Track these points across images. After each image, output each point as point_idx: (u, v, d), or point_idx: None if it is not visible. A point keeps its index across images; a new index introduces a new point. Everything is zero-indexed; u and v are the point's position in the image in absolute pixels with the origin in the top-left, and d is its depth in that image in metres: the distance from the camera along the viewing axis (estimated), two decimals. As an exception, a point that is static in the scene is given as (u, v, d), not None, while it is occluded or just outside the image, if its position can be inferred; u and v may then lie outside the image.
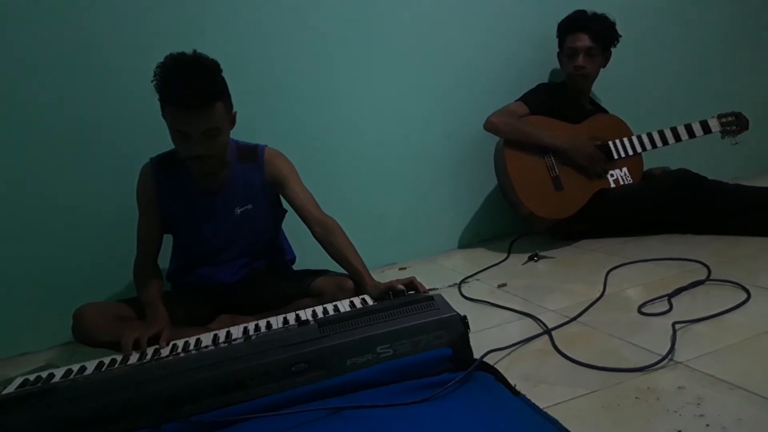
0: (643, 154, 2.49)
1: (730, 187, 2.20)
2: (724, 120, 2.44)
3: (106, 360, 1.37)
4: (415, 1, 2.50)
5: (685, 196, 2.21)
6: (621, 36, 2.54)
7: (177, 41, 1.78)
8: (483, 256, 2.44)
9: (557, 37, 2.58)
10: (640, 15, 2.87)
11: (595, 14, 2.49)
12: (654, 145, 2.46)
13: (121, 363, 1.35)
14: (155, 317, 1.60)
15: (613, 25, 2.51)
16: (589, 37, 2.47)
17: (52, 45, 2.04)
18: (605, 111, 2.67)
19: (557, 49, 2.59)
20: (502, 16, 2.65)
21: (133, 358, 1.40)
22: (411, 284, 1.51)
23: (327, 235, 1.76)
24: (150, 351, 1.42)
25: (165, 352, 1.39)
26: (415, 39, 2.52)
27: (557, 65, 2.65)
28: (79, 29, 2.06)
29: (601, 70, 2.57)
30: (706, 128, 2.44)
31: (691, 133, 2.44)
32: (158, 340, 1.48)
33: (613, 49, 2.56)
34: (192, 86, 1.52)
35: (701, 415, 0.99)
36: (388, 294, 1.52)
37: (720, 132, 2.45)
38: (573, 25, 2.50)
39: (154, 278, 1.76)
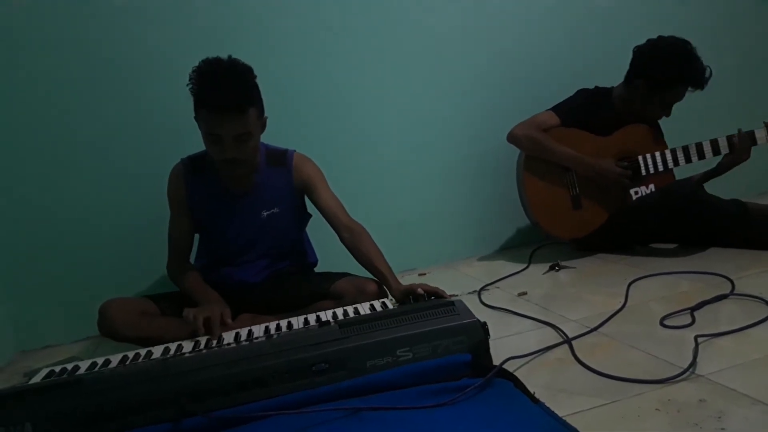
0: (676, 168, 2.31)
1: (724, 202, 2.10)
2: None
3: (130, 354, 1.40)
4: (440, 8, 2.50)
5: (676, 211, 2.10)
6: None
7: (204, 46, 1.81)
8: (503, 265, 2.43)
9: (657, 74, 2.20)
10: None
11: (704, 67, 2.19)
12: (688, 159, 2.26)
13: (145, 357, 1.38)
14: (209, 300, 1.64)
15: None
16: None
17: (84, 48, 2.10)
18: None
19: (637, 77, 2.26)
20: (527, 23, 2.63)
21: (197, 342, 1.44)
22: (435, 293, 1.50)
23: (355, 240, 1.77)
24: (173, 347, 1.44)
25: (187, 347, 1.41)
26: (438, 45, 2.52)
27: (583, 73, 2.52)
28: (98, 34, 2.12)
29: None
30: (751, 141, 2.20)
31: (732, 147, 2.21)
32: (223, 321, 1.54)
33: None
34: (227, 92, 1.56)
35: (722, 429, 0.98)
36: (409, 296, 1.53)
37: None
38: (694, 80, 2.19)
39: (192, 270, 1.82)
